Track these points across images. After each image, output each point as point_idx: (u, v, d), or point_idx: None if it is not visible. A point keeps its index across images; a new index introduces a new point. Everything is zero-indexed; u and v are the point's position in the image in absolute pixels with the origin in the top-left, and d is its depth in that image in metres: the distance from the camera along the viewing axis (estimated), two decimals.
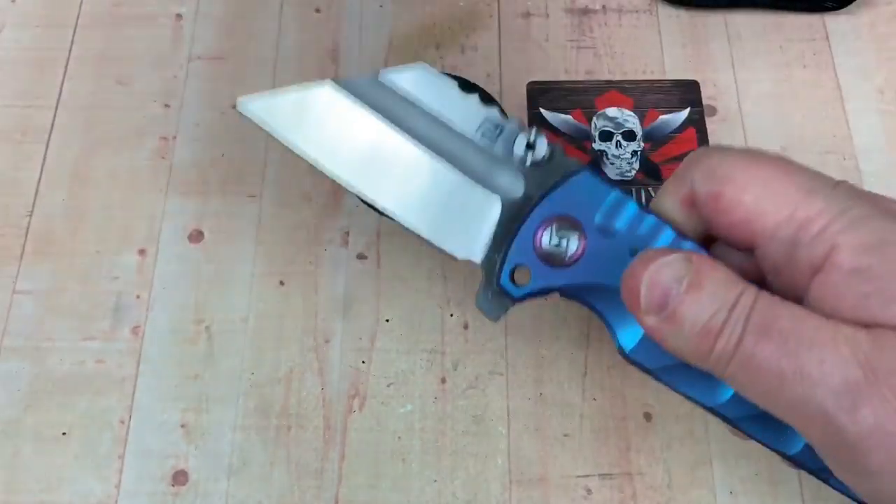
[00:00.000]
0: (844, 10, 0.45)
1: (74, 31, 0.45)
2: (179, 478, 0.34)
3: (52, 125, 0.42)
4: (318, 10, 0.45)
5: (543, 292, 0.26)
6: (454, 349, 0.37)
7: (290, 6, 0.45)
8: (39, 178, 0.41)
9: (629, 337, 0.26)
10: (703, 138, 0.41)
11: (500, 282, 0.26)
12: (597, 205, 0.26)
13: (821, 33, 0.44)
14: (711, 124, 0.42)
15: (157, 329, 0.37)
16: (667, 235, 0.26)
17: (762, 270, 0.25)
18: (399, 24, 0.45)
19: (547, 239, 0.26)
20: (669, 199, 0.26)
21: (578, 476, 0.34)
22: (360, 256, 0.39)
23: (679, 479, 0.34)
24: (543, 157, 0.27)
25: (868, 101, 0.42)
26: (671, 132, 0.42)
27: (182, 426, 0.35)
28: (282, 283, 0.38)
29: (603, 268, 0.25)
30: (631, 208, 0.26)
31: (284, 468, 0.34)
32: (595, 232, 0.26)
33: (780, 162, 0.24)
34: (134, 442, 0.35)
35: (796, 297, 0.24)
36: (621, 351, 0.26)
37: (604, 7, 0.45)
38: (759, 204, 0.24)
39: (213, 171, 0.41)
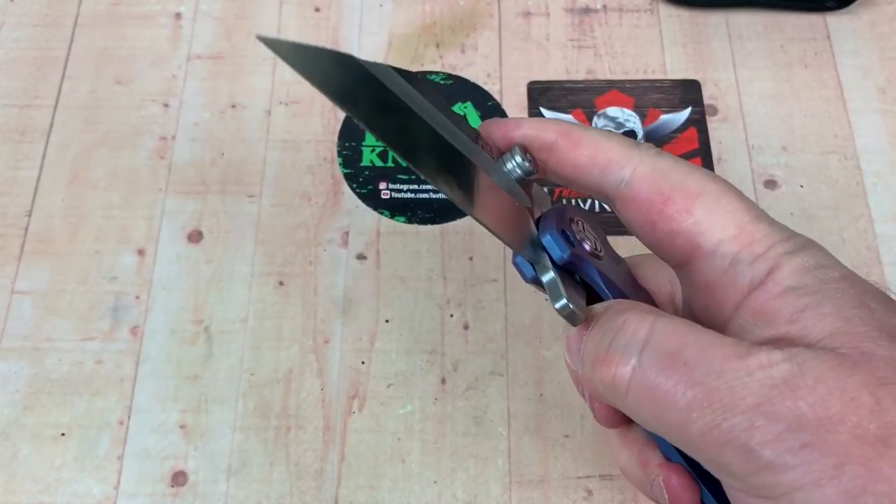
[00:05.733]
0: (846, 9, 0.44)
1: (73, 31, 0.44)
2: (179, 478, 0.34)
3: (51, 125, 0.42)
4: (317, 10, 0.45)
5: (572, 272, 0.26)
6: (454, 350, 0.37)
7: (290, 5, 0.45)
8: (38, 178, 0.41)
9: None
10: (704, 138, 0.41)
11: (549, 231, 0.25)
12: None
13: (822, 33, 0.44)
14: (712, 124, 0.42)
15: (156, 329, 0.37)
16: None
17: (687, 285, 0.25)
18: (398, 24, 0.45)
19: (577, 228, 0.26)
20: (583, 154, 0.26)
21: (579, 477, 0.34)
22: (360, 256, 0.39)
23: None
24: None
25: (869, 100, 0.42)
26: (672, 132, 0.42)
27: (181, 427, 0.35)
28: (281, 283, 0.38)
29: (614, 271, 0.26)
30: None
31: (284, 469, 0.34)
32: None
33: (729, 184, 0.25)
34: (133, 443, 0.35)
35: (723, 315, 0.24)
36: None
37: (604, 6, 0.45)
38: (708, 217, 0.24)
39: (213, 170, 0.41)
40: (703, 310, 0.25)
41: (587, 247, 0.26)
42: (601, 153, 0.25)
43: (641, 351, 0.22)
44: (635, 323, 0.22)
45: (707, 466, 0.22)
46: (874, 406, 0.19)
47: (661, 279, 0.28)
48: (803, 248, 0.23)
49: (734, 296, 0.23)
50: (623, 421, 0.26)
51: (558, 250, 0.25)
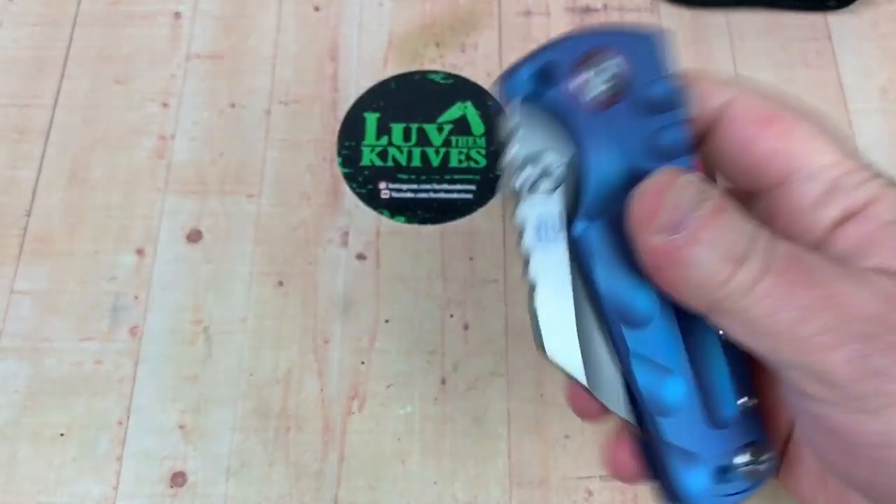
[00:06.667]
0: (847, 9, 0.44)
1: (73, 30, 0.44)
2: (178, 479, 0.34)
3: (50, 124, 0.42)
4: (317, 9, 0.45)
5: (552, 115, 0.23)
6: (454, 350, 0.36)
7: (289, 4, 0.45)
8: (37, 178, 0.40)
9: (592, 211, 0.23)
10: None
11: (522, 68, 0.23)
12: (650, 73, 0.23)
13: (823, 32, 0.44)
14: None
15: (156, 330, 0.37)
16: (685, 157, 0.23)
17: (771, 210, 0.24)
18: (399, 23, 0.45)
19: (591, 64, 0.22)
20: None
21: (579, 478, 0.34)
22: (360, 256, 0.39)
23: None
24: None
25: (871, 100, 0.42)
26: None
27: (180, 427, 0.35)
28: (281, 283, 0.38)
29: (619, 130, 0.23)
30: (679, 102, 0.23)
31: (283, 470, 0.34)
32: (633, 93, 0.23)
33: (825, 125, 0.25)
34: (132, 443, 0.35)
35: (809, 240, 0.23)
36: (577, 222, 0.23)
37: (605, 6, 0.45)
38: (809, 141, 0.24)
39: (212, 170, 0.41)
40: (784, 235, 0.24)
41: (579, 86, 0.22)
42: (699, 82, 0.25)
43: (772, 252, 0.21)
44: (765, 233, 0.22)
45: (798, 377, 0.21)
46: None
47: None
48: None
49: (826, 221, 0.23)
50: (600, 412, 0.26)
51: (520, 90, 0.22)
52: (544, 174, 0.23)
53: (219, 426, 0.35)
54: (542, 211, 0.23)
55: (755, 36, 0.44)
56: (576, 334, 0.23)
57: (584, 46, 0.22)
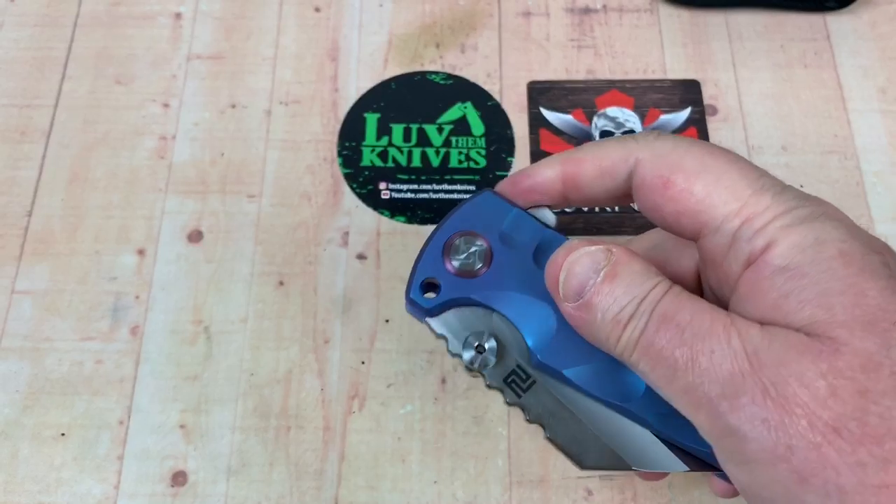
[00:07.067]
0: (846, 9, 0.44)
1: (73, 31, 0.44)
2: (178, 479, 0.34)
3: (51, 125, 0.42)
4: (317, 9, 0.45)
5: (455, 303, 0.27)
6: None
7: (290, 5, 0.45)
8: (38, 178, 0.41)
9: (538, 341, 0.27)
10: (704, 138, 0.41)
11: (409, 294, 0.27)
12: (499, 220, 0.28)
13: (822, 33, 0.44)
14: (712, 124, 0.42)
15: (156, 329, 0.37)
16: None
17: (701, 259, 0.26)
18: (399, 23, 0.45)
19: (454, 251, 0.27)
20: (589, 168, 0.26)
21: (579, 477, 0.34)
22: (360, 256, 0.39)
23: (680, 480, 0.34)
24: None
25: (869, 100, 0.42)
26: (672, 132, 0.42)
27: (181, 427, 0.35)
28: (281, 283, 0.38)
29: (509, 276, 0.27)
30: (530, 223, 0.28)
31: (284, 469, 0.34)
32: (499, 244, 0.27)
33: (732, 156, 0.25)
34: (133, 443, 0.35)
35: (729, 289, 0.24)
36: (532, 356, 0.27)
37: (604, 6, 0.45)
38: (709, 196, 0.24)
39: (213, 170, 0.41)
40: (715, 284, 0.26)
41: (459, 270, 0.27)
42: (604, 161, 0.26)
43: (651, 313, 0.23)
44: (656, 291, 0.23)
45: (695, 426, 0.23)
46: (829, 395, 0.20)
47: (687, 256, 0.28)
48: (805, 220, 0.23)
49: (736, 271, 0.24)
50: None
51: (421, 312, 0.27)
52: (480, 350, 0.27)
53: (219, 426, 0.35)
54: (503, 370, 0.27)
55: (754, 36, 0.44)
56: (598, 438, 0.26)
57: (440, 241, 0.28)
